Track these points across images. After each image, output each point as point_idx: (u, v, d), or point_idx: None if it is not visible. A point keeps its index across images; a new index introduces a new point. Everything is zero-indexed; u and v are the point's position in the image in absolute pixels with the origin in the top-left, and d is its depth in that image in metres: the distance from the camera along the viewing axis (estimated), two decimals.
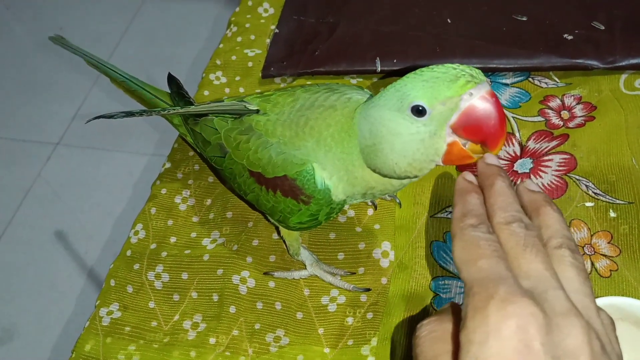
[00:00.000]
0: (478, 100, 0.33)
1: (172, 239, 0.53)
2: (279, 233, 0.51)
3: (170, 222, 0.55)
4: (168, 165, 0.59)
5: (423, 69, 0.36)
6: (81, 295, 1.22)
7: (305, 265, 0.49)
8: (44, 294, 1.24)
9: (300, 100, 0.44)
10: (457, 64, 0.34)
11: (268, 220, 0.52)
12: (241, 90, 0.64)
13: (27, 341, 1.18)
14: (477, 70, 0.34)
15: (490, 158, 0.33)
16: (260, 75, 0.63)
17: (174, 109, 0.49)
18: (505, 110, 0.57)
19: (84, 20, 1.75)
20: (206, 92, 0.64)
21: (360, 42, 0.63)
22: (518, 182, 0.51)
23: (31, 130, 1.53)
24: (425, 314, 0.46)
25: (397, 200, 0.52)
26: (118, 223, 1.32)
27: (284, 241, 0.50)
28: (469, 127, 0.34)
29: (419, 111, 0.34)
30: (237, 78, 0.64)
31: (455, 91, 0.33)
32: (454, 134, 0.35)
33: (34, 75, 1.65)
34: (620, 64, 0.56)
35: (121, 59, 1.63)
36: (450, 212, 0.51)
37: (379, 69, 0.61)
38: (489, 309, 0.24)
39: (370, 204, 0.53)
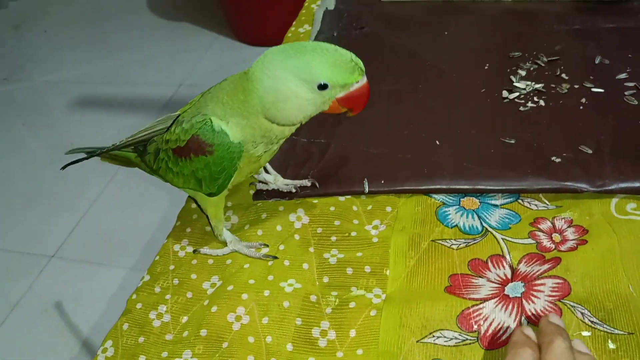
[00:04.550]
0: (362, 87, 0.47)
1: (141, 358, 0.50)
2: (209, 221, 0.57)
3: (141, 339, 0.51)
4: (147, 278, 0.57)
5: (324, 49, 0.46)
6: None
7: (227, 244, 0.57)
8: None
9: (209, 90, 0.52)
10: (353, 54, 0.47)
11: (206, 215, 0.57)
12: (235, 219, 0.62)
13: None
14: (361, 61, 0.47)
15: (553, 317, 0.33)
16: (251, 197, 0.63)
17: (121, 142, 0.55)
18: (494, 232, 0.56)
19: (93, 138, 1.81)
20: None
21: (349, 164, 0.63)
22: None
23: (28, 242, 1.52)
24: None
25: (317, 185, 0.61)
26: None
27: (210, 225, 0.57)
28: (348, 102, 0.48)
29: (322, 86, 0.46)
30: (229, 204, 0.63)
31: (354, 79, 0.46)
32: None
33: (41, 188, 1.67)
34: (610, 187, 0.56)
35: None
36: (439, 337, 0.48)
37: (366, 190, 0.60)
38: None
39: (294, 190, 0.61)
